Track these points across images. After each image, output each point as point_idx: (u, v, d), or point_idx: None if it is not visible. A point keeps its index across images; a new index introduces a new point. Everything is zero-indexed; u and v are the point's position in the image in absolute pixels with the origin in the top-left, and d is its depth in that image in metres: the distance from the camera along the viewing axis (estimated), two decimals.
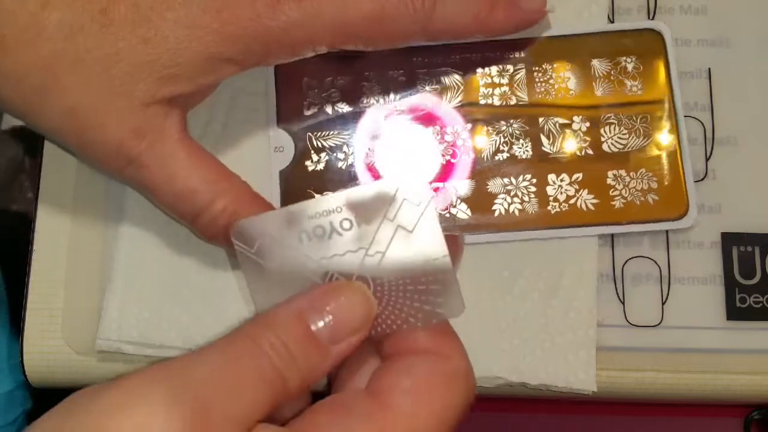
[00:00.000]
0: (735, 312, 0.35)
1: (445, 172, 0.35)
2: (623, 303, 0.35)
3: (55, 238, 0.35)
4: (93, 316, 0.34)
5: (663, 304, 0.35)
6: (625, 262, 0.35)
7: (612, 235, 0.35)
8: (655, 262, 0.35)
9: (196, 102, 0.34)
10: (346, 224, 0.28)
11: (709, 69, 0.37)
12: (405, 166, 0.35)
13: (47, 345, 0.34)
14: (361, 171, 0.35)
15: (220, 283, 0.34)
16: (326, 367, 0.26)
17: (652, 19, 0.37)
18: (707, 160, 0.36)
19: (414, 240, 0.27)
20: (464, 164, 0.35)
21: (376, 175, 0.35)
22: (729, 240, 0.35)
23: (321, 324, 0.26)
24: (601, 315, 0.35)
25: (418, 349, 0.27)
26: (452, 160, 0.35)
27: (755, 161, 0.36)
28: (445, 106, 0.36)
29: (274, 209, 0.32)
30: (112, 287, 0.34)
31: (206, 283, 0.34)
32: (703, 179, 0.36)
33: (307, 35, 0.31)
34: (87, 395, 0.23)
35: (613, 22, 0.37)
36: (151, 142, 0.30)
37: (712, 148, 0.36)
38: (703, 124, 0.36)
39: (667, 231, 0.35)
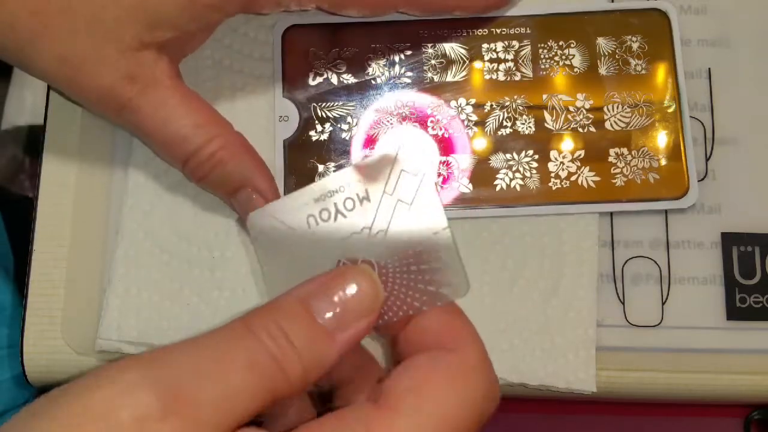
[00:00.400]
0: (735, 312, 0.35)
1: (448, 146, 0.35)
2: (623, 303, 0.35)
3: (55, 238, 0.35)
4: (93, 316, 0.34)
5: (663, 304, 0.35)
6: (625, 262, 0.35)
7: (612, 236, 0.35)
8: (655, 262, 0.35)
9: (186, 51, 0.34)
10: (349, 204, 0.28)
11: (709, 69, 0.37)
12: (407, 139, 0.35)
13: (47, 345, 0.34)
14: (364, 143, 0.35)
15: (220, 283, 0.34)
16: (333, 355, 0.25)
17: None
18: (707, 160, 0.36)
19: (414, 213, 0.27)
20: (467, 139, 0.35)
21: (378, 147, 0.35)
22: (729, 240, 0.35)
23: (326, 310, 0.25)
24: (601, 315, 0.35)
25: (427, 346, 0.27)
26: (455, 135, 0.35)
27: (755, 161, 0.36)
28: (450, 80, 0.36)
29: (262, 161, 0.32)
30: (112, 287, 0.34)
31: (206, 282, 0.34)
32: (703, 179, 0.36)
33: None
34: (63, 387, 0.23)
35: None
36: (143, 87, 0.31)
37: (712, 148, 0.36)
38: (703, 124, 0.36)
39: (666, 229, 0.35)
